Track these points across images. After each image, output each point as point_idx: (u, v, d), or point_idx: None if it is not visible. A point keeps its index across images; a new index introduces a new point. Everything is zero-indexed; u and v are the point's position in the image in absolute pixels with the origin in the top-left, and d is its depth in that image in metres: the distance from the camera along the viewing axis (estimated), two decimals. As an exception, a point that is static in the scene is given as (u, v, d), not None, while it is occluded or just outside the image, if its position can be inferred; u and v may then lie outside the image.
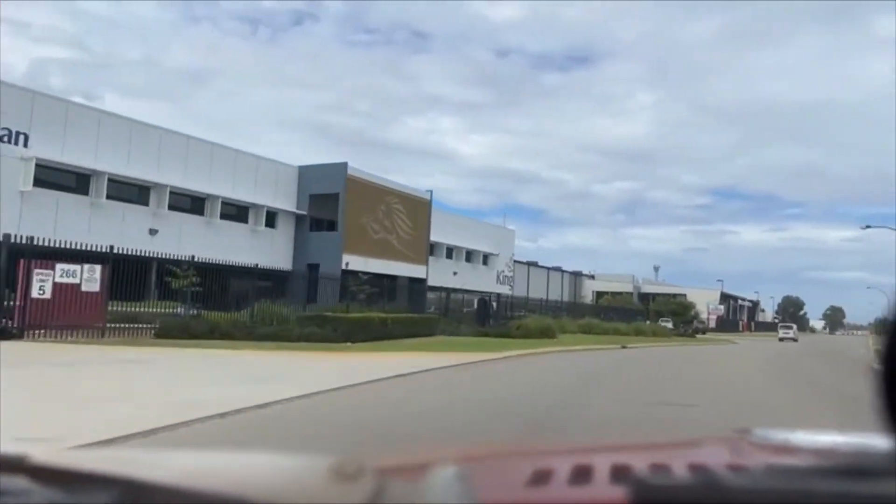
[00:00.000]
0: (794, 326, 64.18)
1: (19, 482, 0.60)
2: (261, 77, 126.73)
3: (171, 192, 26.80)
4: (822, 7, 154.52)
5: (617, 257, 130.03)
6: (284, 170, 32.83)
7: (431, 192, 40.60)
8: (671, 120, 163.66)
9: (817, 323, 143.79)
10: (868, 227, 37.29)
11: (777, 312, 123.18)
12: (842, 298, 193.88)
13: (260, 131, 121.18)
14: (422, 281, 35.80)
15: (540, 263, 76.35)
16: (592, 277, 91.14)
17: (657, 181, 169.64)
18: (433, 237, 40.47)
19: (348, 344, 16.63)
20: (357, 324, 18.35)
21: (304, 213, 32.70)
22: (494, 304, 33.36)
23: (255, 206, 30.73)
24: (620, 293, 77.01)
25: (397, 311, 22.63)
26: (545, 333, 25.73)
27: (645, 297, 79.39)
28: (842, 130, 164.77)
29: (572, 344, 23.02)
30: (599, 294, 77.78)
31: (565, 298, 65.46)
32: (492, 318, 29.55)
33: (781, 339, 53.61)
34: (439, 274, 39.89)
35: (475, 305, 32.02)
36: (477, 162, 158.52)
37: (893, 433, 0.50)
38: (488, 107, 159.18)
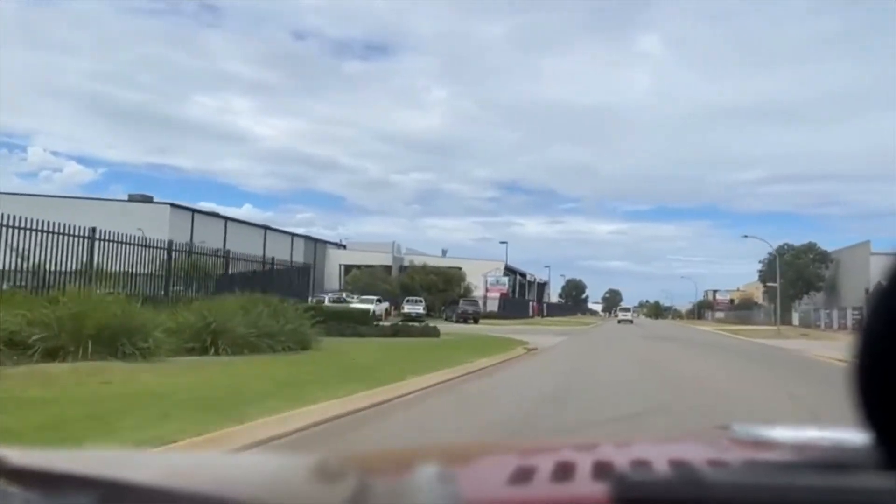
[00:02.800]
0: (631, 309, 79.20)
1: None
2: (18, 39, 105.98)
3: None
4: (595, 20, 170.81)
5: (413, 246, 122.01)
6: None
7: None
8: (464, 115, 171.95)
9: (596, 305, 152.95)
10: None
11: (561, 296, 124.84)
12: (614, 284, 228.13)
13: (24, 101, 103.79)
14: None
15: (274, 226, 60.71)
16: (343, 247, 73.18)
17: (451, 174, 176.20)
18: None
19: None
20: None
21: None
22: None
23: None
24: (373, 266, 59.67)
25: None
26: None
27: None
28: (611, 133, 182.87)
29: None
30: (348, 268, 62.78)
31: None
32: None
33: (620, 322, 62.84)
34: None
35: None
36: (272, 145, 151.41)
37: (868, 428, 0.51)
38: (285, 89, 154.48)
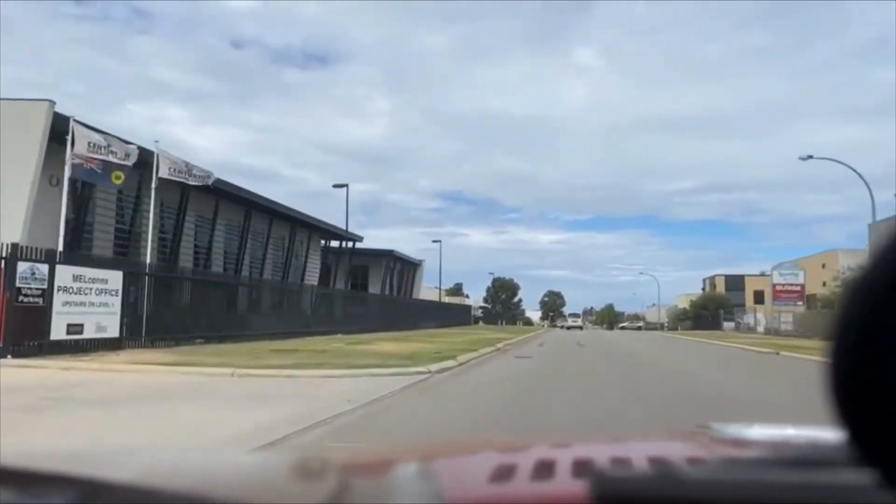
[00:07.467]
0: (581, 316, 77.58)
1: None
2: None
3: None
4: (532, 33, 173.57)
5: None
6: None
7: None
8: (407, 125, 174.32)
9: (534, 314, 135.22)
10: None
11: (486, 300, 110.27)
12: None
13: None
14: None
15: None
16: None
17: (395, 184, 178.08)
18: None
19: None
20: None
21: None
22: None
23: None
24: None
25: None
26: None
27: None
28: (550, 143, 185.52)
29: None
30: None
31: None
32: None
33: (569, 328, 61.14)
34: None
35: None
36: (210, 155, 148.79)
37: (842, 426, 0.53)
38: (223, 99, 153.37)
